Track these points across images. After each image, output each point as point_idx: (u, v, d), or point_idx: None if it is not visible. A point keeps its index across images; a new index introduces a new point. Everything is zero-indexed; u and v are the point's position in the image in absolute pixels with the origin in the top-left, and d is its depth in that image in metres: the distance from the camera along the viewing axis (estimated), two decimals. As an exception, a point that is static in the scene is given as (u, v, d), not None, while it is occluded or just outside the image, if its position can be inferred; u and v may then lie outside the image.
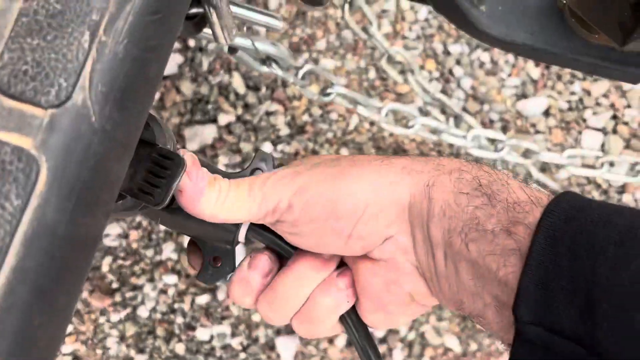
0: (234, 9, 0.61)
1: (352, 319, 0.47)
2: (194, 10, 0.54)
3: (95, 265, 1.21)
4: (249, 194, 0.43)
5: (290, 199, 0.43)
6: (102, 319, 1.21)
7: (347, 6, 0.82)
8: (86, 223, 0.32)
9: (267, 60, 0.75)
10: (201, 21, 0.56)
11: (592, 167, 1.00)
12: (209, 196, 0.42)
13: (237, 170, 0.49)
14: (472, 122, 1.02)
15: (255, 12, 0.63)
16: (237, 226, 0.47)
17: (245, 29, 0.76)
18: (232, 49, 0.70)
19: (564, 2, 0.59)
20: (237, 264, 0.48)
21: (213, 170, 0.46)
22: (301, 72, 0.80)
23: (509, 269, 0.38)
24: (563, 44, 0.61)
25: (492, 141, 1.00)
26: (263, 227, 0.47)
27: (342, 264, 0.47)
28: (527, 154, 1.00)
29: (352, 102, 0.88)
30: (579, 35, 0.60)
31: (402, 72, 0.96)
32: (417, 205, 0.42)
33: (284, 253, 0.47)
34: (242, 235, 0.48)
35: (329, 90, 0.86)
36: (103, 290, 1.22)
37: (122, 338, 1.22)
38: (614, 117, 1.23)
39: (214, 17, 0.54)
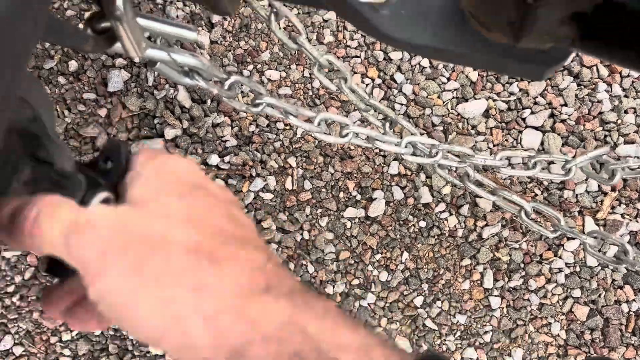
0: (142, 21, 0.62)
1: None
2: (103, 25, 0.54)
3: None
4: (53, 226, 0.35)
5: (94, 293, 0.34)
6: (53, 339, 1.20)
7: (272, 17, 0.83)
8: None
9: (190, 72, 0.75)
10: (112, 35, 0.56)
11: (527, 166, 1.02)
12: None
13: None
14: (410, 128, 1.03)
15: (166, 24, 0.64)
16: None
17: (159, 41, 0.76)
18: (151, 62, 0.70)
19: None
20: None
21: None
22: (227, 83, 0.80)
23: None
24: (465, 43, 0.63)
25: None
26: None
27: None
28: (462, 157, 1.01)
29: (282, 112, 0.89)
30: (479, 34, 0.62)
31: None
32: None
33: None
34: None
35: (257, 101, 0.86)
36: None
37: (74, 357, 1.21)
38: (552, 115, 1.26)
39: (120, 31, 0.55)
